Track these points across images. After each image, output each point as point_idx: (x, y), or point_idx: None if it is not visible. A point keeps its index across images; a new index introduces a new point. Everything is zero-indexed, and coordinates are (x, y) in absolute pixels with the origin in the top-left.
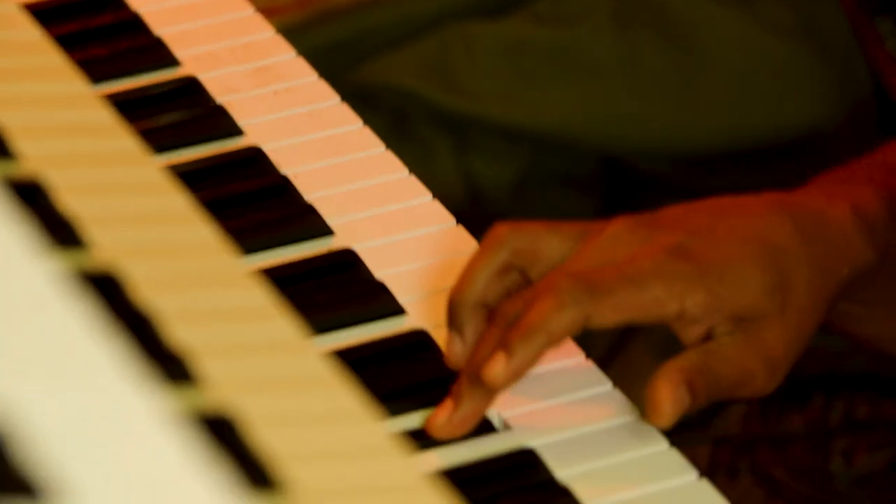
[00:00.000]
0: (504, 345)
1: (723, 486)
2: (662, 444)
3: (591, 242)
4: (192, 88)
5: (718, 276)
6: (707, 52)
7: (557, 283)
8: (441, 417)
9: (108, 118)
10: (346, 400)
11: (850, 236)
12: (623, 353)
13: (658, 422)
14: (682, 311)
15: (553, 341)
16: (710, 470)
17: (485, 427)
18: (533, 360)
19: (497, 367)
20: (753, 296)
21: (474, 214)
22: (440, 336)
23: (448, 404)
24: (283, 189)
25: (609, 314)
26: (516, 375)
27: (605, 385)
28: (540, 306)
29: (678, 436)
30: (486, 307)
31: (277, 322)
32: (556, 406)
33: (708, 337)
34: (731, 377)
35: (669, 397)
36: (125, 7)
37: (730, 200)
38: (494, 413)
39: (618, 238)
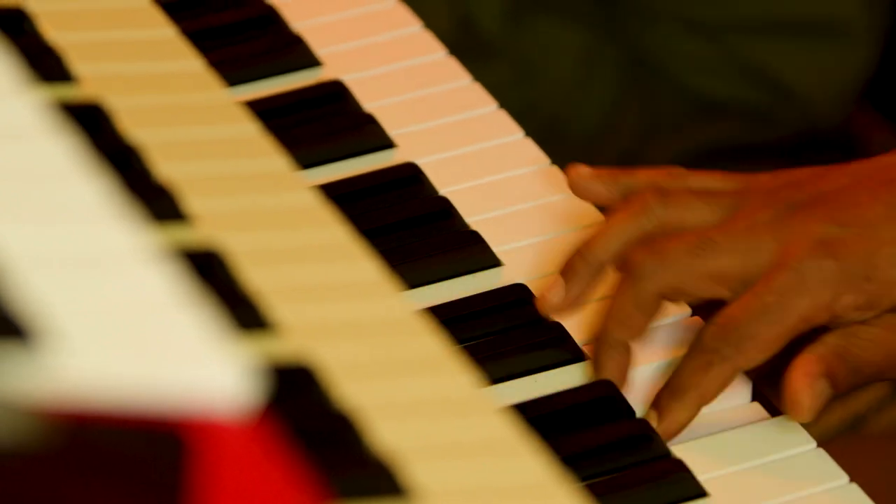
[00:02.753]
0: (658, 406)
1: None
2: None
3: (736, 222)
4: None
5: (866, 274)
6: None
7: (704, 337)
8: (555, 294)
9: None
10: (335, 236)
11: None
12: None
13: (799, 417)
14: (833, 317)
15: (706, 400)
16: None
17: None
18: (688, 418)
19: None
20: None
21: (465, 44)
22: (429, 169)
23: (558, 282)
24: (271, 19)
25: (758, 356)
26: (666, 436)
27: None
28: (689, 365)
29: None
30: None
31: (265, 155)
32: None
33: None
34: (875, 361)
35: (809, 389)
36: None
37: (878, 167)
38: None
39: (764, 224)
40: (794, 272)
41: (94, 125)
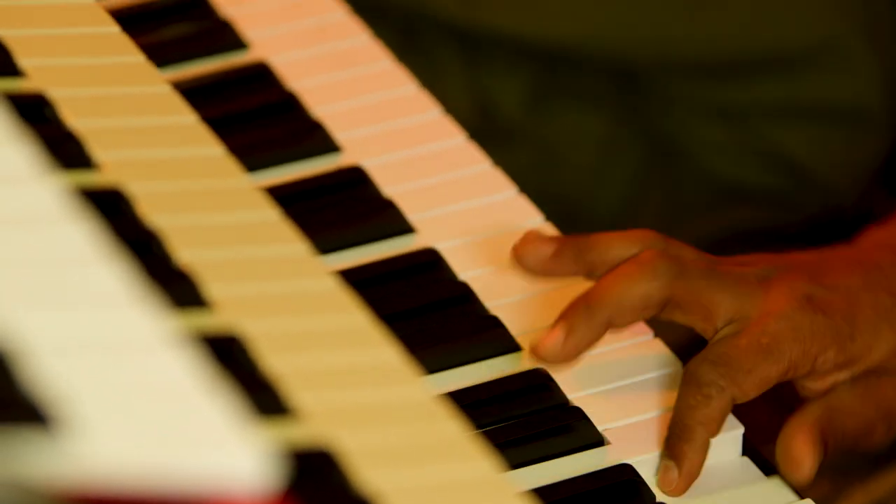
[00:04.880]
0: (672, 455)
1: (737, 408)
2: (677, 365)
3: (723, 276)
4: (197, 2)
5: (850, 334)
6: None
7: (698, 373)
8: (553, 342)
9: (113, 32)
10: (356, 322)
11: None
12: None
13: (799, 479)
14: (812, 369)
15: (713, 434)
16: None
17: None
18: (703, 458)
19: (664, 486)
20: (881, 354)
21: (485, 129)
22: (449, 254)
23: (559, 329)
24: (290, 105)
25: (752, 391)
26: (689, 479)
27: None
28: (689, 404)
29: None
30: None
31: (285, 241)
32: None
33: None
34: (854, 429)
35: (810, 453)
36: None
37: (865, 254)
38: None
39: (750, 280)
40: (789, 320)
41: (114, 211)
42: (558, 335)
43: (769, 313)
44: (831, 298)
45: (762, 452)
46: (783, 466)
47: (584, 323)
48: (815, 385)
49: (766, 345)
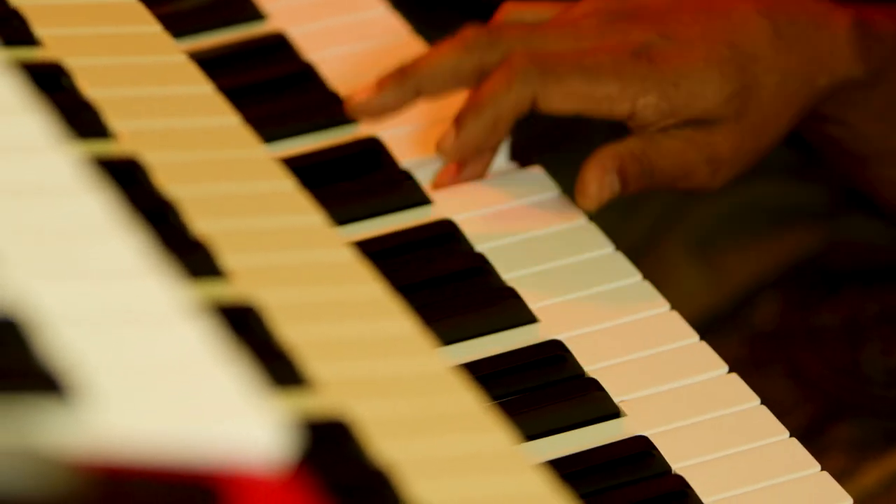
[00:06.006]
0: (456, 119)
1: (755, 381)
2: (694, 337)
3: (561, 21)
4: None
5: (675, 81)
6: None
7: (512, 62)
8: (364, 96)
9: (130, 2)
10: (371, 293)
11: (840, 46)
12: (656, 248)
13: (584, 203)
14: (632, 112)
15: (501, 117)
16: (742, 364)
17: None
18: (481, 133)
19: (447, 141)
20: (708, 102)
21: None
22: (465, 226)
23: (373, 87)
24: (307, 76)
25: (557, 99)
26: (464, 147)
27: (635, 276)
28: (491, 83)
29: (712, 333)
30: None
31: (301, 212)
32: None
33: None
34: (669, 170)
35: (597, 180)
36: None
37: (721, 2)
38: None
39: (588, 24)
40: (614, 59)
41: (130, 181)
42: (370, 91)
43: (600, 48)
44: (663, 47)
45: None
46: (575, 192)
47: (393, 87)
48: (645, 130)
49: (586, 66)
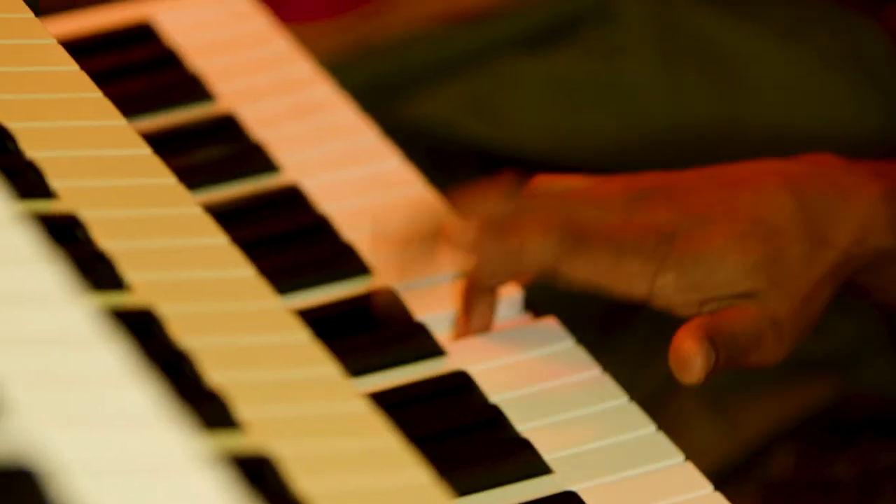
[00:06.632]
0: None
1: None
2: (708, 488)
3: (591, 195)
4: (229, 124)
5: (694, 258)
6: (750, 84)
7: (550, 220)
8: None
9: (145, 154)
10: (386, 444)
11: (870, 217)
12: (670, 399)
13: (689, 377)
14: (651, 291)
15: (523, 266)
16: None
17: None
18: (496, 258)
19: (462, 236)
20: (730, 274)
21: None
22: (479, 378)
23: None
24: (321, 228)
25: (582, 269)
26: (478, 287)
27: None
28: (526, 228)
29: (726, 484)
30: None
31: (316, 363)
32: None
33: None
34: (744, 336)
35: (699, 351)
36: (160, 42)
37: (743, 172)
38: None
39: (618, 201)
40: (639, 239)
41: (145, 332)
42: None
43: (627, 226)
44: (687, 228)
45: None
46: (676, 371)
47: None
48: (682, 309)
49: (616, 241)
